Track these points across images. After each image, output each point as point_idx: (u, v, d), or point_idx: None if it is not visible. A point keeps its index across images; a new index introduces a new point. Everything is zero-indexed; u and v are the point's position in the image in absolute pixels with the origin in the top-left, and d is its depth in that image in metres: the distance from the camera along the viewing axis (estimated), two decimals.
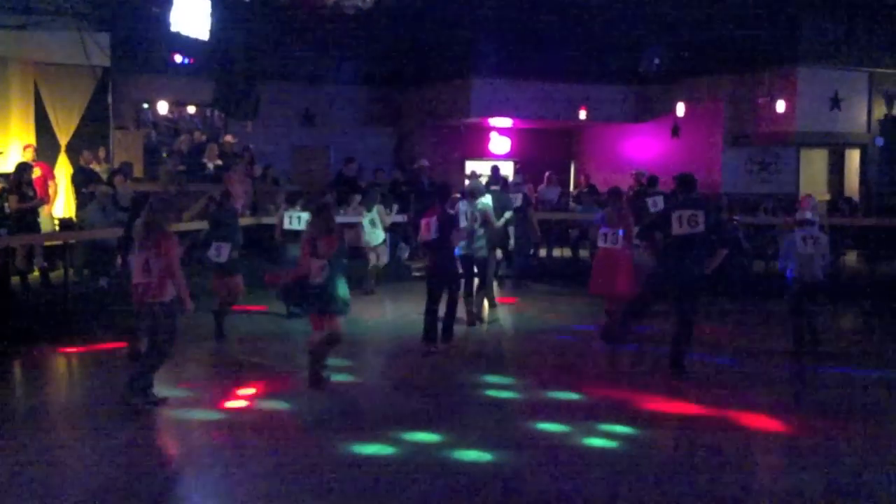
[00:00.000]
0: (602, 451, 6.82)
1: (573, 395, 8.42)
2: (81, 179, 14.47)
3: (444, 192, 10.50)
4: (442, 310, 10.20)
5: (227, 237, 10.49)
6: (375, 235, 14.01)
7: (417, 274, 15.36)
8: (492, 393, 8.60)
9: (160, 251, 7.43)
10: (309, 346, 8.39)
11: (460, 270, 10.66)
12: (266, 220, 14.37)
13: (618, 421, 7.48)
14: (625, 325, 10.14)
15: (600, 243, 10.81)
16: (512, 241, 14.30)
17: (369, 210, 14.07)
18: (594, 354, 10.36)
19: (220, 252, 10.37)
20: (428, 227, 10.08)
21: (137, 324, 7.70)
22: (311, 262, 8.11)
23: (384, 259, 14.42)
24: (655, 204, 13.21)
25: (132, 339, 9.07)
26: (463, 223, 10.61)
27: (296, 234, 11.69)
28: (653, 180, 15.43)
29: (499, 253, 13.55)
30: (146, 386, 7.67)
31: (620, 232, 10.57)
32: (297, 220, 11.74)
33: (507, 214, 12.31)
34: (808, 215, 10.33)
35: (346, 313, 8.44)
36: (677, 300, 9.05)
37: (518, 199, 13.96)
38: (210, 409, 7.75)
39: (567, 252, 17.15)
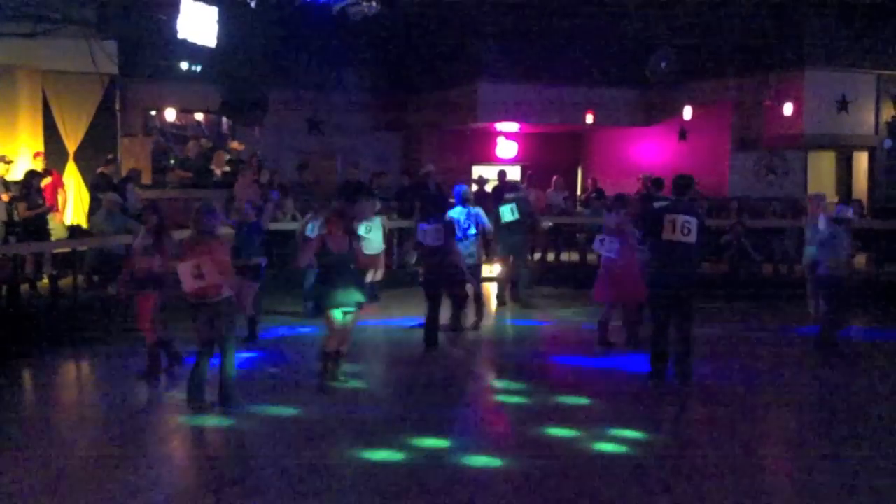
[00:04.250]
0: (612, 457, 6.80)
1: (583, 400, 8.40)
2: (97, 185, 14.46)
3: (443, 200, 10.87)
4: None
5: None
6: (370, 244, 12.89)
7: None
8: (501, 398, 8.59)
9: (213, 256, 7.59)
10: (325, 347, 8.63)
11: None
12: (274, 226, 14.36)
13: (628, 426, 7.46)
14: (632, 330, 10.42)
15: (596, 249, 10.53)
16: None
17: (368, 218, 13.04)
18: (605, 359, 10.31)
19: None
20: (426, 234, 10.28)
21: (197, 324, 7.81)
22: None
23: (380, 272, 13.25)
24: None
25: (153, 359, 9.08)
26: (458, 231, 10.87)
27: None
28: (658, 183, 15.14)
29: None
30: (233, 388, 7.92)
31: (616, 241, 10.23)
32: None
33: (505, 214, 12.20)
34: (849, 213, 10.57)
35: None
36: (674, 309, 8.63)
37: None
38: (220, 415, 7.73)
39: (575, 256, 17.13)
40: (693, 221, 8.48)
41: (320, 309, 8.62)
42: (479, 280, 11.58)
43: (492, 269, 14.93)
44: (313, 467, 6.47)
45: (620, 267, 10.17)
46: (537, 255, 17.72)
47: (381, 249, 13.19)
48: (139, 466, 6.53)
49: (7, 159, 13.56)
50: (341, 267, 8.51)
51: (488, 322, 12.31)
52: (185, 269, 7.61)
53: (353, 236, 8.69)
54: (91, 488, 6.11)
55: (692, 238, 8.44)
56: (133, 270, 8.96)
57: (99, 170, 14.70)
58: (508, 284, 13.79)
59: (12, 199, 12.85)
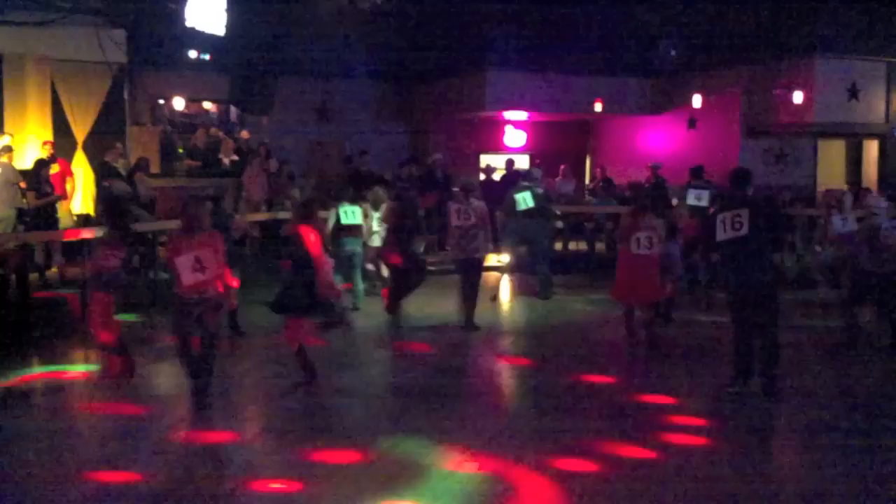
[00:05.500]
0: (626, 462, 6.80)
1: (587, 393, 8.39)
2: (102, 174, 14.46)
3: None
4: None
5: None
6: (379, 236, 12.52)
7: (432, 268, 15.25)
8: (498, 391, 8.58)
9: (214, 248, 7.38)
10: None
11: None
12: (282, 216, 14.37)
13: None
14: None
15: (634, 249, 9.82)
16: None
17: (376, 209, 12.61)
18: (609, 351, 10.27)
19: None
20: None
21: (182, 320, 7.51)
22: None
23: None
24: (699, 198, 12.69)
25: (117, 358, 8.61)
26: (455, 222, 10.52)
27: (349, 229, 11.80)
28: (697, 171, 14.71)
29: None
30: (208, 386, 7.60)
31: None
32: (351, 214, 11.85)
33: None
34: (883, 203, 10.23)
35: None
36: (754, 316, 7.92)
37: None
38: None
39: (583, 245, 17.12)
40: (744, 213, 7.76)
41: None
42: (478, 272, 11.02)
43: (499, 260, 14.84)
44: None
45: (643, 262, 9.81)
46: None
47: None
48: (139, 456, 6.56)
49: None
50: (305, 268, 8.03)
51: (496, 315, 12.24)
52: (183, 263, 7.32)
53: (320, 234, 8.16)
54: (95, 477, 6.13)
55: (744, 231, 7.73)
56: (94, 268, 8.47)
57: (105, 158, 14.73)
58: (522, 275, 13.45)
59: (22, 189, 12.89)
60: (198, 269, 7.31)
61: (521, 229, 12.89)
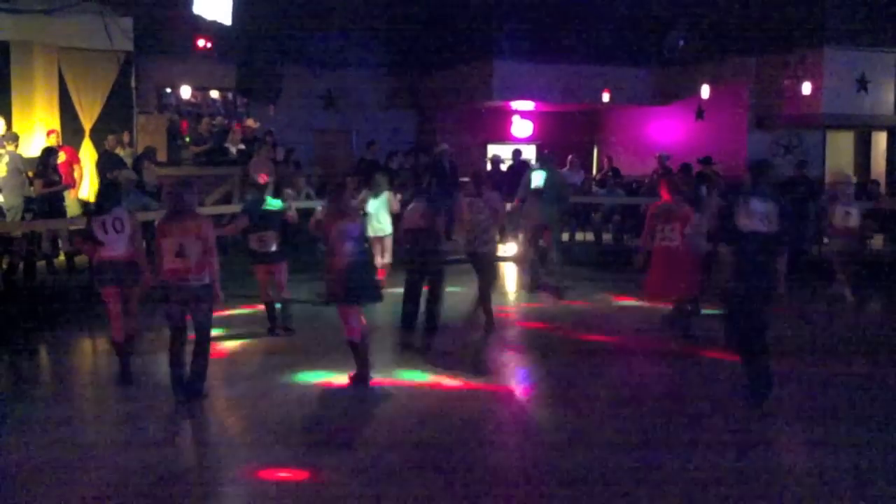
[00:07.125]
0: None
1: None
2: (106, 164, 14.52)
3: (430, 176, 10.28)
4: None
5: (270, 227, 9.84)
6: (382, 226, 12.16)
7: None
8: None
9: (199, 235, 7.17)
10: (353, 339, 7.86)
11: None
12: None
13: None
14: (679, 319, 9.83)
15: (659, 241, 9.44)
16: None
17: (376, 196, 12.15)
18: (617, 346, 10.20)
19: (265, 242, 9.76)
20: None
21: (168, 308, 7.32)
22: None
23: (388, 255, 12.28)
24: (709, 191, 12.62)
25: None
26: (467, 216, 10.00)
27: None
28: (706, 160, 15.05)
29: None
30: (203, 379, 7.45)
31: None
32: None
33: None
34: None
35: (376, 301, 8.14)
36: (747, 314, 7.50)
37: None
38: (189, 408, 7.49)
39: (590, 236, 17.06)
40: (774, 207, 7.33)
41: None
42: (492, 267, 10.63)
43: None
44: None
45: (677, 256, 9.37)
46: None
47: (389, 232, 12.29)
48: (139, 445, 6.56)
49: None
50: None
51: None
52: (166, 247, 7.20)
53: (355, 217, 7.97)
54: (101, 464, 6.14)
55: (775, 227, 7.31)
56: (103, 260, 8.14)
57: (105, 147, 14.77)
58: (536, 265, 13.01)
59: (29, 177, 12.92)
60: (179, 254, 7.13)
61: (535, 212, 12.60)
